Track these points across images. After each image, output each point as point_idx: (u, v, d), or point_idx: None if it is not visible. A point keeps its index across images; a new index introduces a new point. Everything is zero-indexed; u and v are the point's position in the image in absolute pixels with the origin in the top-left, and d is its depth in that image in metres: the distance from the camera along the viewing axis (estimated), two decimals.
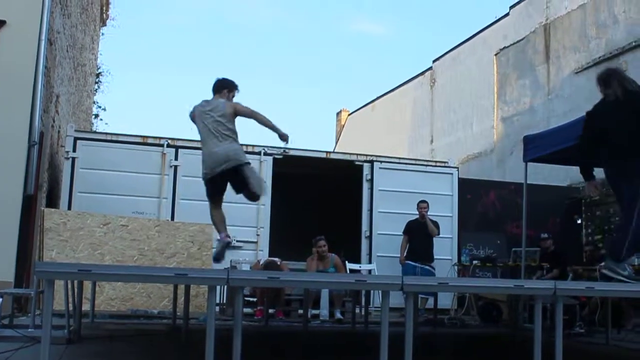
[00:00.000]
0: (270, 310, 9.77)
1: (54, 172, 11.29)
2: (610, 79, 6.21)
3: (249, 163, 6.97)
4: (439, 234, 10.92)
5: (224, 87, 7.09)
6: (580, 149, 6.48)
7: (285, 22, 69.92)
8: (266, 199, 11.13)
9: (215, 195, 7.02)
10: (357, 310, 9.90)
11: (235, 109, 6.92)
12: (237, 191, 7.04)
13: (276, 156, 11.53)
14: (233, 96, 7.11)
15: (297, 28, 70.78)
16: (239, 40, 70.52)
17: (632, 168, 5.96)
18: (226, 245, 7.08)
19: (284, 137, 6.94)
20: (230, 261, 10.31)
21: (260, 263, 10.38)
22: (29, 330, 6.64)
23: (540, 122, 16.82)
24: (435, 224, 10.87)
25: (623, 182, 6.09)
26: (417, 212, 10.91)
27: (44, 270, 4.63)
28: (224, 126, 6.82)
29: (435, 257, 11.57)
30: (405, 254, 10.88)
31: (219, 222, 7.11)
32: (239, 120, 7.00)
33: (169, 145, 11.31)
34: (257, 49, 69.44)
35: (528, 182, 10.13)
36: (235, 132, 6.91)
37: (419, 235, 10.76)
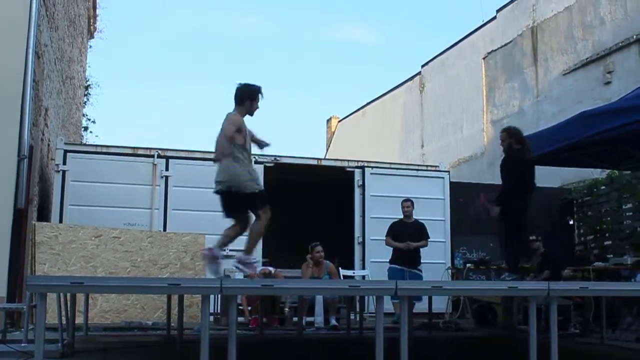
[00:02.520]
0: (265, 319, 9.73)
1: (44, 185, 11.24)
2: (524, 140, 8.28)
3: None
4: (428, 237, 10.35)
5: (246, 97, 6.41)
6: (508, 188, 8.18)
7: (272, 31, 70.07)
8: None
9: None
10: (352, 317, 9.89)
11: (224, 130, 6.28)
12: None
13: (267, 164, 11.52)
14: (257, 102, 6.44)
15: (284, 37, 70.95)
16: (227, 50, 70.60)
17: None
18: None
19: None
20: (224, 270, 10.26)
21: (257, 272, 10.31)
22: (22, 345, 6.59)
23: (529, 124, 16.86)
24: (422, 227, 10.35)
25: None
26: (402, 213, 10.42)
27: (36, 284, 4.62)
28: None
29: (429, 261, 11.54)
30: (390, 258, 10.33)
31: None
32: None
33: (159, 156, 11.28)
34: (245, 59, 69.53)
35: None
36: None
37: (404, 238, 10.18)
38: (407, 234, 10.22)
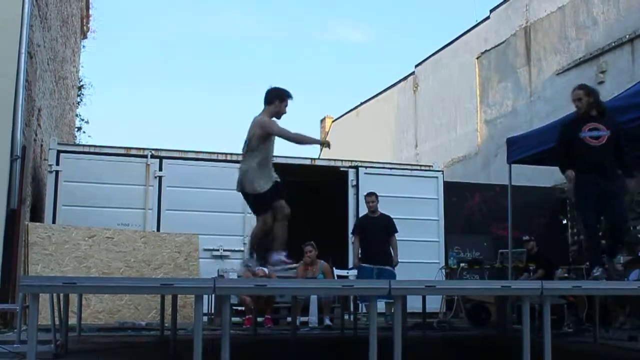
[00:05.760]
0: (259, 319, 9.72)
1: (37, 185, 11.20)
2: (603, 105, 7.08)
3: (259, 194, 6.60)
4: (397, 231, 9.88)
5: (274, 97, 6.63)
6: None
7: (266, 31, 70.02)
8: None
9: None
10: (346, 317, 9.88)
11: (264, 126, 6.50)
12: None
13: None
14: (286, 105, 6.66)
15: (278, 37, 70.91)
16: (220, 51, 70.50)
17: None
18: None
19: (325, 144, 6.85)
20: (218, 271, 10.27)
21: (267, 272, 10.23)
22: (15, 345, 6.57)
23: (523, 123, 16.91)
24: (390, 221, 9.87)
25: None
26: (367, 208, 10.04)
27: (29, 284, 4.60)
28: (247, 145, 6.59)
29: (422, 260, 11.55)
30: (359, 256, 9.91)
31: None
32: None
33: (152, 156, 11.27)
34: (239, 60, 69.43)
35: (513, 183, 10.18)
36: (257, 153, 6.54)
37: (372, 234, 9.75)
38: (374, 230, 9.81)
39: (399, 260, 9.77)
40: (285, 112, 6.72)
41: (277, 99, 6.61)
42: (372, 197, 9.98)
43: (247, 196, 6.75)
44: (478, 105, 19.80)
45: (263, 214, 6.66)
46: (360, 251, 9.93)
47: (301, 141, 6.86)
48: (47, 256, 9.23)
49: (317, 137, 31.40)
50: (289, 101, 6.68)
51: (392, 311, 9.34)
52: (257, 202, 6.67)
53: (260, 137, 6.49)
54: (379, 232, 9.79)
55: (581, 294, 8.90)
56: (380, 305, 8.63)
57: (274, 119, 6.65)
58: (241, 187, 6.69)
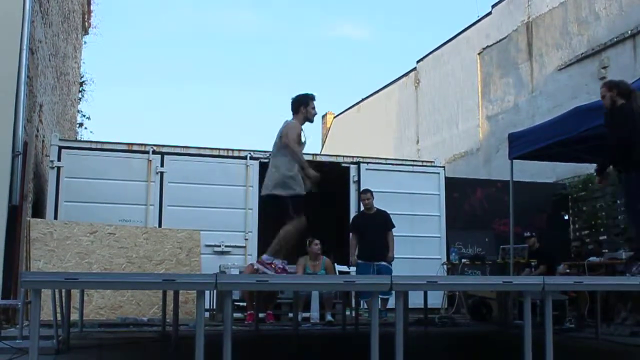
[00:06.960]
0: (260, 315, 9.71)
1: (39, 181, 11.20)
2: (630, 91, 6.77)
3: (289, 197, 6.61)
4: (394, 226, 9.92)
5: (299, 104, 6.78)
6: None
7: (267, 29, 69.95)
8: (253, 203, 11.14)
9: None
10: (348, 312, 9.87)
11: (289, 129, 6.63)
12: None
13: (263, 160, 11.49)
14: (313, 108, 6.80)
15: (280, 34, 70.85)
16: (221, 47, 70.44)
17: None
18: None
19: (314, 180, 6.81)
20: (219, 266, 10.28)
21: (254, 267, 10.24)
22: (17, 341, 6.59)
23: (524, 119, 16.90)
24: (387, 216, 9.90)
25: None
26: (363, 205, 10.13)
27: (31, 280, 4.59)
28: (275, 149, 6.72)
29: (424, 256, 11.53)
30: (356, 253, 9.95)
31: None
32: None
33: (154, 152, 11.26)
34: (241, 57, 69.41)
35: (514, 179, 10.18)
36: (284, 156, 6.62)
37: (368, 231, 9.80)
38: (371, 227, 9.83)
39: (395, 255, 9.82)
40: (314, 114, 6.89)
41: (301, 105, 6.76)
42: (367, 194, 10.03)
43: (279, 198, 6.68)
44: (480, 101, 19.78)
45: (302, 215, 6.68)
46: (357, 248, 9.95)
47: (301, 163, 6.80)
48: (48, 252, 9.24)
49: (318, 133, 31.46)
50: (314, 102, 6.80)
51: (387, 307, 9.53)
52: (296, 202, 6.68)
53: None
54: (375, 229, 9.84)
55: (583, 289, 8.90)
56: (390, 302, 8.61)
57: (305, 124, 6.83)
58: (277, 189, 6.66)
